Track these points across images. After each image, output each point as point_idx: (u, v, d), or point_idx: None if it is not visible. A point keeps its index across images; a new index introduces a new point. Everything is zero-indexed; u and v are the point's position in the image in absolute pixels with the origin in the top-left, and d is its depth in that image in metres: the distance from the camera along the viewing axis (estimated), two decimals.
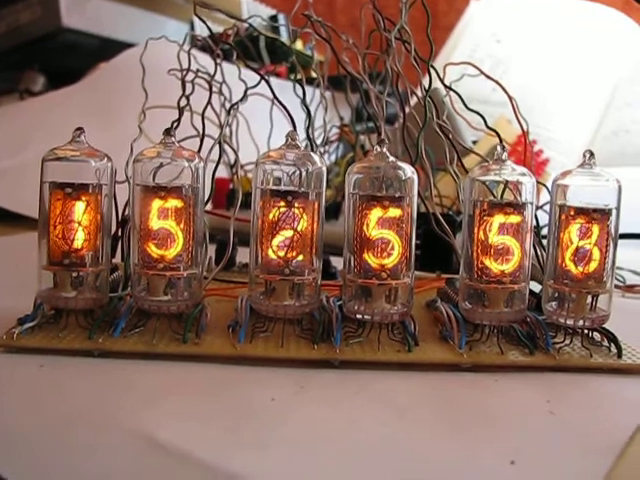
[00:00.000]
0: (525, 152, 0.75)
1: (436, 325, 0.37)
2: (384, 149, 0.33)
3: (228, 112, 0.46)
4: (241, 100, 0.45)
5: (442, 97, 0.52)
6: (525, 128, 0.63)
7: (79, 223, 0.33)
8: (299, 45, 1.36)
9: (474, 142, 0.81)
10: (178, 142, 0.35)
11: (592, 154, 0.34)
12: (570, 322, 0.34)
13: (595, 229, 0.34)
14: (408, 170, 0.33)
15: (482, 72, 0.53)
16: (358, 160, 0.65)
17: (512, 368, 0.33)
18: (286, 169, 0.34)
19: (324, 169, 0.34)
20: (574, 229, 0.34)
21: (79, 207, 0.33)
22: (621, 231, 0.35)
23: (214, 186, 0.41)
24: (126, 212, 0.39)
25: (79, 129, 0.34)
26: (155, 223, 0.33)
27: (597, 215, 0.34)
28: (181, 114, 0.45)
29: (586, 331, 0.35)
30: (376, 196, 0.33)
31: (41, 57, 1.06)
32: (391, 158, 0.33)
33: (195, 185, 0.33)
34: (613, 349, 0.34)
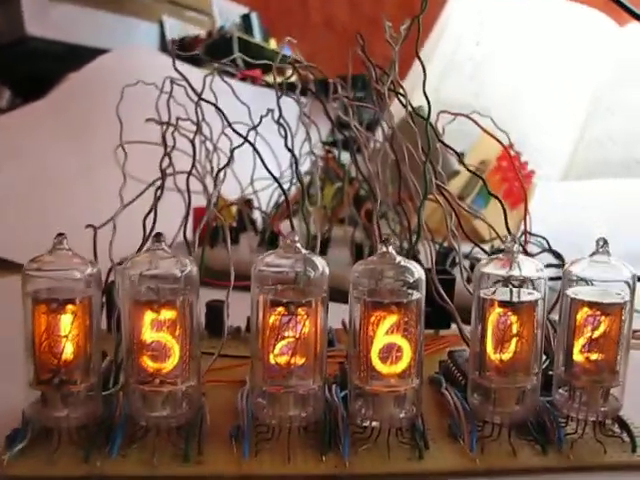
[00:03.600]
0: (513, 168, 0.74)
1: (443, 414, 0.36)
2: (390, 249, 0.31)
3: (215, 176, 0.44)
4: (227, 165, 0.43)
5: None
6: (507, 143, 0.62)
7: (66, 337, 0.31)
8: (273, 44, 1.32)
9: (461, 155, 0.79)
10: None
11: (606, 242, 0.33)
12: (582, 416, 0.33)
13: (607, 321, 0.33)
14: (416, 272, 0.31)
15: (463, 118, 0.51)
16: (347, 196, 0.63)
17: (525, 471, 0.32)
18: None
19: (327, 270, 0.32)
20: (585, 320, 0.33)
21: (65, 320, 0.31)
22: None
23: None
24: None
25: (60, 234, 0.31)
26: (148, 336, 0.31)
27: (609, 308, 0.33)
28: (164, 176, 0.43)
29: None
30: (382, 303, 0.31)
31: (5, 68, 1.01)
32: (398, 259, 0.31)
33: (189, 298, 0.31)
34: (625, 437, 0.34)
